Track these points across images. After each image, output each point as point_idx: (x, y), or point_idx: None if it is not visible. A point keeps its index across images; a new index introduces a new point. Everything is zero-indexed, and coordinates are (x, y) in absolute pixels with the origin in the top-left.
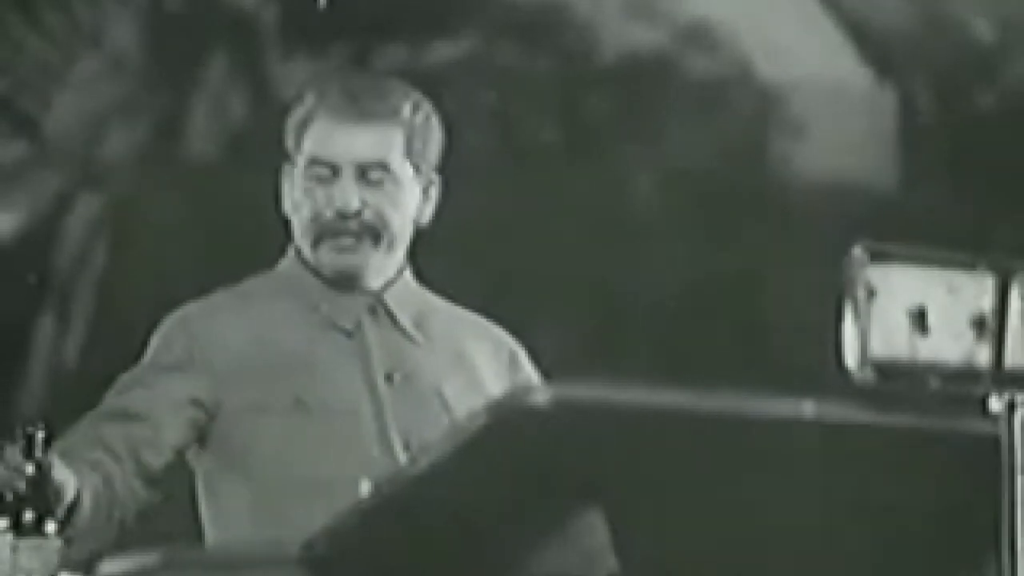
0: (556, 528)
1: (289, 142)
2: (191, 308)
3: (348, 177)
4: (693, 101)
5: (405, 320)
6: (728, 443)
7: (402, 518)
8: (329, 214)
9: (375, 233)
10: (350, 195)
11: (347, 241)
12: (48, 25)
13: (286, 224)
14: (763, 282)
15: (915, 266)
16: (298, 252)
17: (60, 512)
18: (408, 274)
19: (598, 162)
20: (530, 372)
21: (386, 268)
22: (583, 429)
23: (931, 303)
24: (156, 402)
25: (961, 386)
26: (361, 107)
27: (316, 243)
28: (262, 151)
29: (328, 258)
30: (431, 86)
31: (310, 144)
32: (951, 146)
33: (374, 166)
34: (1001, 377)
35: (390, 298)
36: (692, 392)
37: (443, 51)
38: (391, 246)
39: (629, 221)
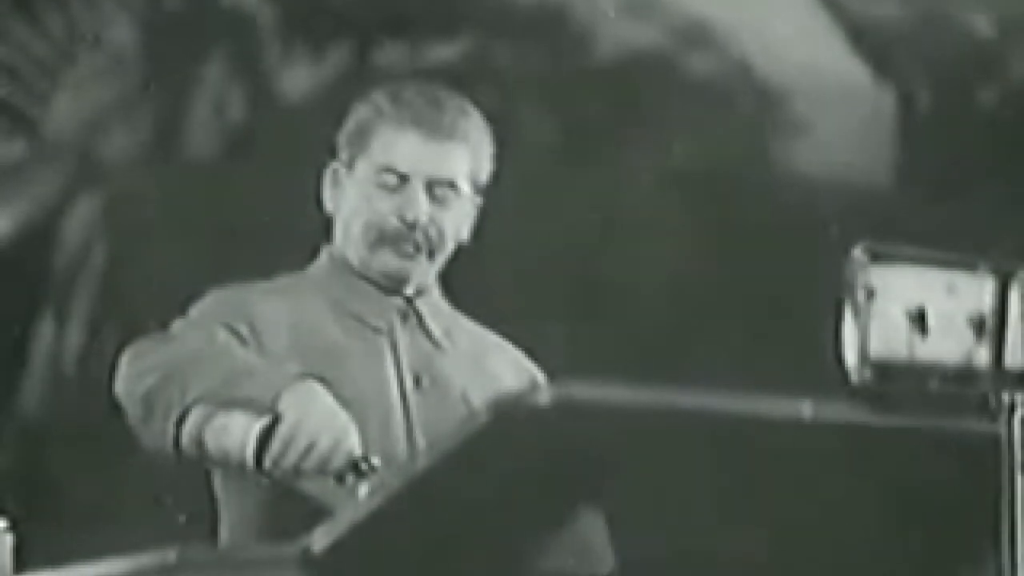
0: (556, 527)
1: (347, 143)
2: (231, 293)
3: (418, 189)
4: (692, 100)
5: (434, 327)
6: (728, 443)
7: (404, 517)
8: (394, 221)
9: (432, 248)
10: (420, 206)
11: (408, 249)
12: (47, 24)
13: (326, 224)
14: (762, 282)
15: (915, 267)
16: (332, 254)
17: None
18: (437, 289)
19: (597, 162)
20: None
21: (426, 279)
22: (583, 429)
23: (931, 304)
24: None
25: (961, 386)
26: (436, 122)
27: (374, 247)
28: (262, 150)
29: (383, 263)
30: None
31: (380, 150)
32: (951, 145)
33: (443, 183)
34: (1001, 377)
35: (422, 305)
36: (692, 392)
37: (442, 51)
38: (438, 260)
39: (628, 221)
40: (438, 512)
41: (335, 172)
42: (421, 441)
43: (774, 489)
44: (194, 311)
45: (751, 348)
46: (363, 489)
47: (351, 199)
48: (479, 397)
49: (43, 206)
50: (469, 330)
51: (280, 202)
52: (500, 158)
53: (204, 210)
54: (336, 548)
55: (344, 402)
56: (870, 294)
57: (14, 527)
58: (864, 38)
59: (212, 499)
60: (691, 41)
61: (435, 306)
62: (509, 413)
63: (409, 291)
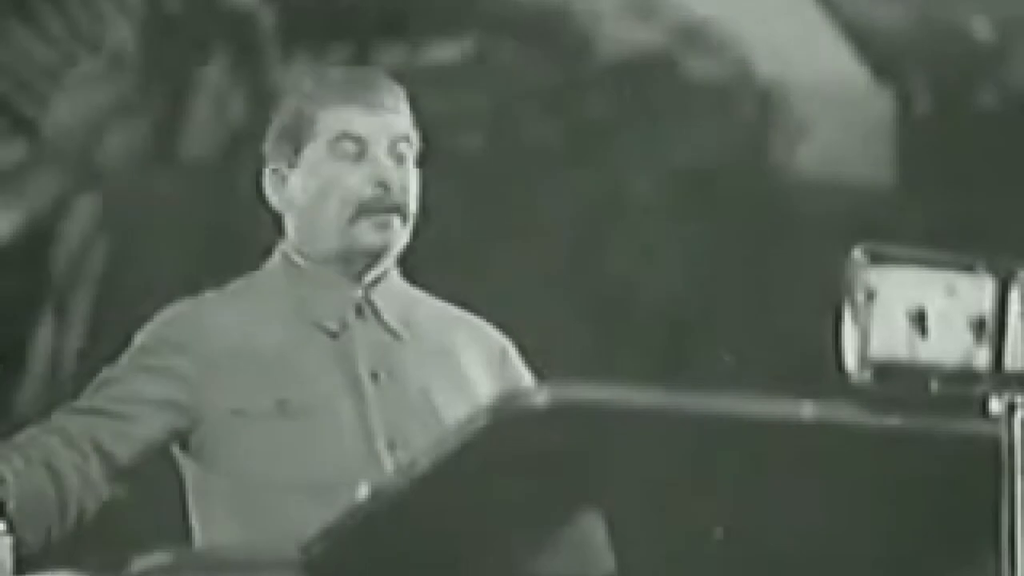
0: (555, 529)
1: (283, 141)
2: (175, 310)
3: (379, 151)
4: (693, 102)
5: (391, 317)
6: (727, 444)
7: (401, 520)
8: (368, 190)
9: (403, 210)
10: (387, 166)
11: (384, 218)
12: (46, 25)
13: (277, 223)
14: (762, 283)
15: (915, 268)
16: (286, 252)
17: None
18: (395, 271)
19: (598, 163)
20: (521, 369)
21: (400, 246)
22: (582, 430)
23: (930, 305)
24: (129, 399)
25: (960, 387)
26: (371, 95)
27: (354, 221)
28: (261, 152)
29: (367, 236)
30: (430, 86)
31: (329, 127)
32: (950, 146)
33: (402, 139)
34: (1000, 378)
35: (377, 295)
36: (691, 393)
37: (442, 51)
38: (408, 225)
39: (629, 221)
40: (436, 514)
41: (275, 173)
42: (380, 437)
43: (774, 490)
44: (139, 337)
45: (750, 348)
46: (362, 491)
47: (310, 188)
48: (441, 385)
49: (43, 207)
50: (430, 312)
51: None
52: (499, 158)
53: (203, 211)
54: (335, 550)
55: (290, 411)
56: (870, 295)
57: (13, 529)
58: (864, 40)
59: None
60: (692, 43)
61: (393, 294)
62: (507, 415)
63: (387, 265)
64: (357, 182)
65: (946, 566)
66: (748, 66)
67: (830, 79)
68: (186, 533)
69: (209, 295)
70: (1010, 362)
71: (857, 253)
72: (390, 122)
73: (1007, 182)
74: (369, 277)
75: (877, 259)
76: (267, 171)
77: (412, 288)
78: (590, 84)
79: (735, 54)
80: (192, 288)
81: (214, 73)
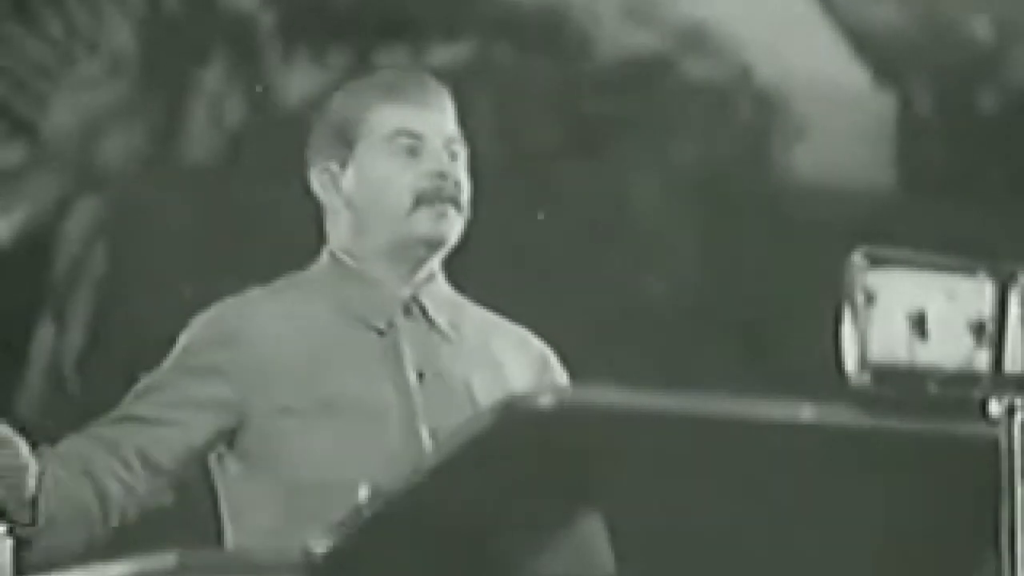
0: (557, 530)
1: (332, 142)
2: (220, 308)
3: (436, 145)
4: (693, 104)
5: (439, 318)
6: (728, 447)
7: (404, 520)
8: (427, 181)
9: (459, 203)
10: (444, 158)
11: (442, 208)
12: (46, 27)
13: (318, 225)
14: (762, 285)
15: (914, 271)
16: (333, 253)
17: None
18: (442, 276)
19: (598, 165)
20: (561, 376)
21: (456, 236)
22: (583, 432)
23: (930, 308)
24: (175, 403)
25: (960, 390)
26: (421, 94)
27: (412, 210)
28: (261, 154)
29: (425, 225)
30: None
31: (384, 123)
32: (950, 149)
33: (455, 139)
34: (1000, 381)
35: (425, 296)
36: (691, 395)
37: (442, 54)
38: (463, 216)
39: (628, 224)
40: (439, 515)
41: (324, 172)
42: (424, 435)
43: (774, 492)
44: (183, 338)
45: (750, 351)
46: (363, 492)
47: (365, 184)
48: (483, 384)
49: (42, 210)
50: (474, 316)
51: (279, 206)
52: (499, 161)
53: (203, 213)
54: (337, 551)
55: (336, 409)
56: (870, 298)
57: (12, 530)
58: (864, 42)
59: (215, 503)
60: (691, 45)
61: (440, 295)
62: (511, 416)
63: (432, 265)
64: (415, 174)
65: (946, 568)
66: (748, 68)
67: (830, 81)
68: (217, 533)
69: (253, 292)
70: (1010, 365)
71: (857, 256)
72: (443, 121)
73: (1007, 184)
74: (419, 277)
75: (877, 262)
76: (315, 171)
77: (457, 294)
78: (590, 87)
79: (735, 57)
80: (191, 290)
81: (213, 75)
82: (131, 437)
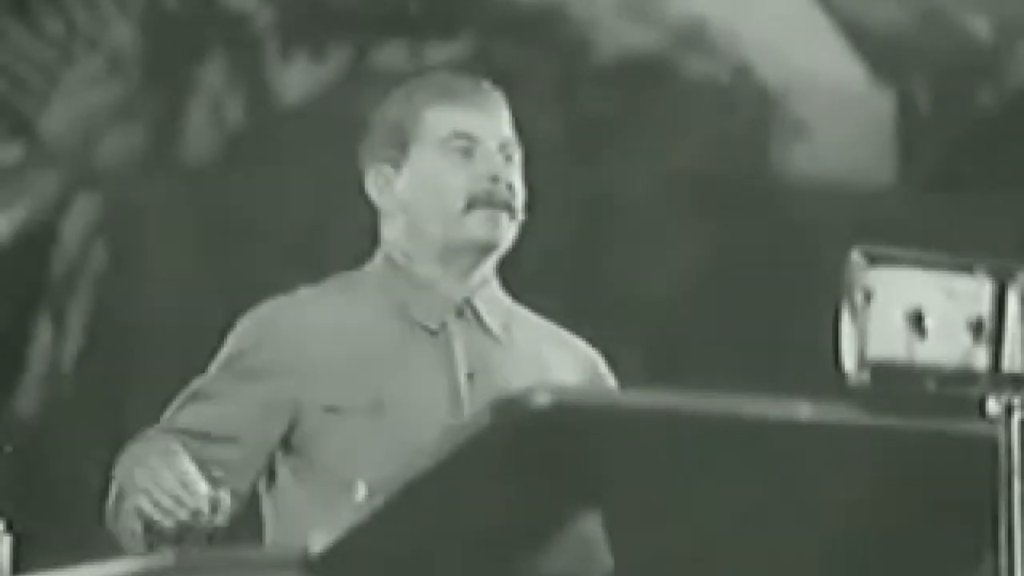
0: (555, 530)
1: (387, 143)
2: (271, 306)
3: (491, 148)
4: (692, 102)
5: (491, 320)
6: (726, 445)
7: (403, 519)
8: (481, 183)
9: (513, 208)
10: (498, 162)
11: (495, 212)
12: (45, 26)
13: (373, 227)
14: (761, 283)
15: (913, 269)
16: (388, 255)
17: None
18: (496, 281)
19: (596, 164)
20: (610, 382)
21: (509, 240)
22: (583, 431)
23: (929, 306)
24: (241, 420)
25: (958, 388)
26: (477, 97)
27: (465, 213)
28: (261, 153)
29: (478, 228)
30: None
31: (439, 126)
32: (950, 145)
33: (510, 143)
34: (998, 380)
35: (479, 300)
36: (690, 393)
37: (441, 52)
38: (515, 225)
39: (627, 222)
40: (437, 514)
41: (378, 174)
42: None
43: (772, 491)
44: (232, 339)
45: (749, 349)
46: (361, 491)
47: (419, 185)
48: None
49: (41, 208)
50: (528, 322)
51: (279, 205)
52: None
53: (202, 213)
54: (335, 550)
55: (386, 409)
56: (868, 296)
57: (11, 528)
58: (863, 41)
59: (257, 502)
60: (690, 43)
61: (493, 299)
62: (509, 415)
63: (486, 269)
64: (469, 176)
65: (945, 567)
66: (747, 67)
67: (829, 79)
68: (258, 532)
69: (303, 291)
70: (1008, 363)
71: (855, 254)
72: (499, 125)
73: (1007, 183)
74: (473, 280)
75: (875, 260)
76: (369, 173)
77: (510, 300)
78: (589, 85)
79: (734, 55)
80: (191, 291)
81: (212, 75)
82: (202, 460)
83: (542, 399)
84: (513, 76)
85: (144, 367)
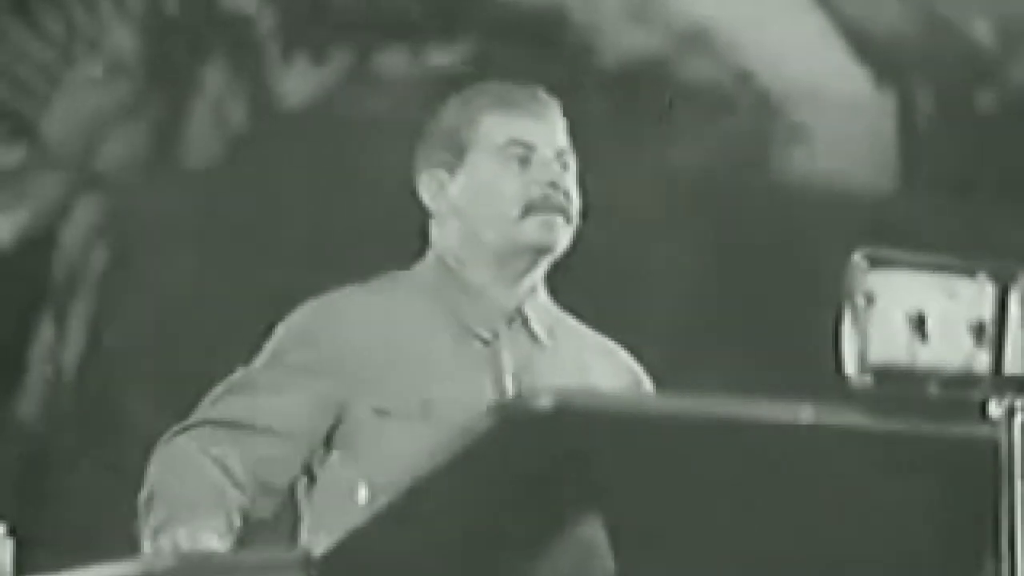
0: (556, 533)
1: (442, 147)
2: (321, 303)
3: (548, 155)
4: (693, 106)
5: (539, 329)
6: (727, 448)
7: (404, 522)
8: (537, 189)
9: (568, 214)
10: (555, 168)
11: (551, 217)
12: (47, 28)
13: (425, 228)
14: (762, 286)
15: (915, 272)
16: (441, 257)
17: None
18: (544, 287)
19: (597, 167)
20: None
21: (564, 245)
22: (584, 434)
23: (931, 309)
24: (287, 413)
25: (960, 391)
26: (534, 105)
27: (521, 218)
28: (261, 156)
29: (534, 233)
30: (430, 90)
31: (495, 133)
32: (951, 150)
33: (566, 151)
34: (1000, 383)
35: (529, 307)
36: (691, 397)
37: (442, 55)
38: (569, 231)
39: (629, 226)
40: (438, 517)
41: (432, 178)
42: None
43: (774, 494)
44: (280, 331)
45: (751, 352)
46: (363, 493)
47: (474, 190)
48: None
49: (43, 210)
50: (574, 330)
51: (280, 208)
52: None
53: (203, 215)
54: (336, 552)
55: (434, 413)
56: (870, 299)
57: (14, 531)
58: (865, 44)
59: (294, 503)
60: (691, 47)
61: (541, 306)
62: (510, 418)
63: (537, 275)
64: (526, 183)
65: (945, 569)
66: (748, 70)
67: (830, 83)
68: (292, 533)
69: (353, 289)
70: (1010, 366)
71: (857, 257)
72: (555, 133)
73: (1007, 185)
74: (523, 287)
75: (877, 263)
76: (422, 176)
77: (558, 308)
78: (590, 88)
79: (735, 58)
80: (191, 292)
81: (213, 76)
82: (241, 452)
83: (543, 402)
84: (514, 80)
85: (146, 370)
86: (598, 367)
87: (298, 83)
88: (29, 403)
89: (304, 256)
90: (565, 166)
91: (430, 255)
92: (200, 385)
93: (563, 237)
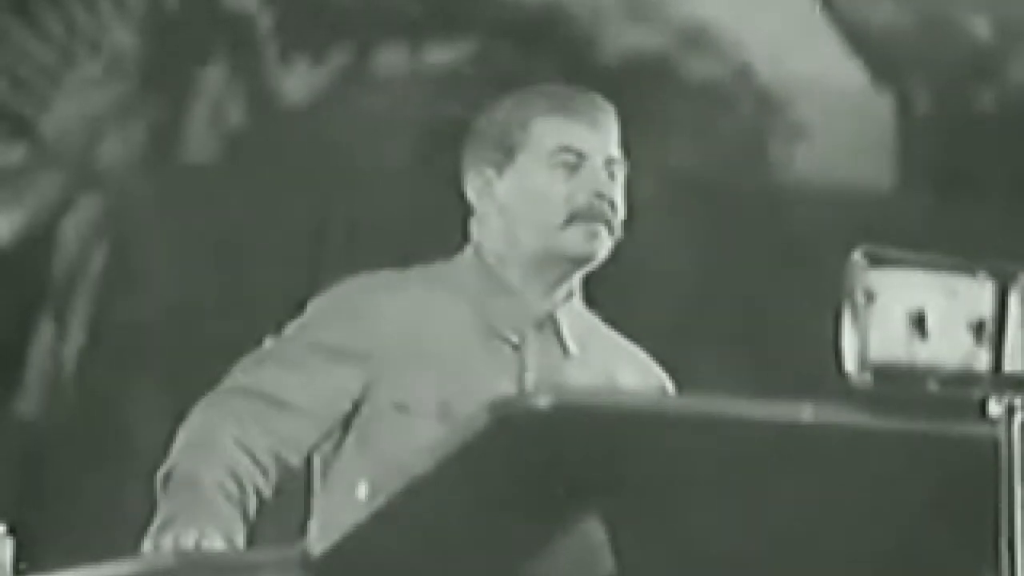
0: (555, 531)
1: (494, 148)
2: (352, 285)
3: (598, 164)
4: (693, 104)
5: (568, 334)
6: (727, 446)
7: (403, 521)
8: (583, 197)
9: (612, 224)
10: (603, 177)
11: (595, 227)
12: (47, 28)
13: (464, 223)
14: (762, 285)
15: (914, 270)
16: (479, 253)
17: None
18: (579, 295)
19: None
20: None
21: (605, 254)
22: (583, 432)
23: (930, 307)
24: (313, 393)
25: (960, 390)
26: (589, 112)
27: (565, 225)
28: (261, 155)
29: (577, 241)
30: (430, 88)
31: (547, 138)
32: (950, 148)
33: (616, 160)
34: (1000, 381)
35: (562, 314)
36: (691, 395)
37: (442, 53)
38: (614, 236)
39: (628, 224)
40: (437, 516)
41: (479, 177)
42: None
43: (774, 492)
44: (312, 308)
45: (750, 351)
46: (362, 490)
47: (521, 193)
48: None
49: (43, 209)
50: (604, 338)
51: (279, 207)
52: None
53: (203, 214)
54: (335, 551)
55: (452, 414)
56: (870, 297)
57: (14, 531)
58: (863, 43)
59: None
60: (691, 45)
61: (575, 313)
62: (508, 417)
63: (574, 282)
64: (572, 190)
65: (945, 568)
66: (748, 68)
67: (829, 81)
68: (301, 527)
69: (387, 274)
70: (1009, 365)
71: (857, 255)
72: (607, 141)
73: (1007, 184)
74: (559, 293)
75: (877, 261)
76: (469, 173)
77: (591, 315)
78: (590, 86)
79: (734, 56)
80: (191, 292)
81: (213, 76)
82: (267, 432)
83: (542, 400)
84: (514, 77)
85: (145, 368)
86: (626, 379)
87: (297, 82)
88: (29, 402)
89: (303, 255)
90: (612, 175)
91: (468, 250)
92: (200, 384)
93: (604, 247)
